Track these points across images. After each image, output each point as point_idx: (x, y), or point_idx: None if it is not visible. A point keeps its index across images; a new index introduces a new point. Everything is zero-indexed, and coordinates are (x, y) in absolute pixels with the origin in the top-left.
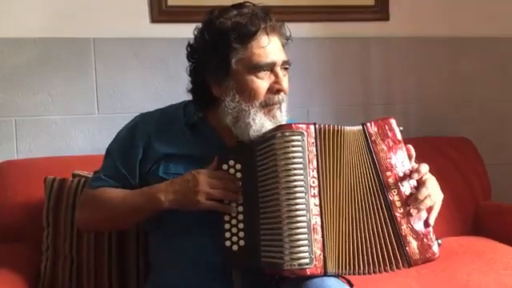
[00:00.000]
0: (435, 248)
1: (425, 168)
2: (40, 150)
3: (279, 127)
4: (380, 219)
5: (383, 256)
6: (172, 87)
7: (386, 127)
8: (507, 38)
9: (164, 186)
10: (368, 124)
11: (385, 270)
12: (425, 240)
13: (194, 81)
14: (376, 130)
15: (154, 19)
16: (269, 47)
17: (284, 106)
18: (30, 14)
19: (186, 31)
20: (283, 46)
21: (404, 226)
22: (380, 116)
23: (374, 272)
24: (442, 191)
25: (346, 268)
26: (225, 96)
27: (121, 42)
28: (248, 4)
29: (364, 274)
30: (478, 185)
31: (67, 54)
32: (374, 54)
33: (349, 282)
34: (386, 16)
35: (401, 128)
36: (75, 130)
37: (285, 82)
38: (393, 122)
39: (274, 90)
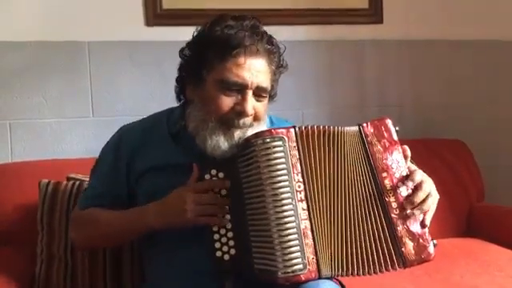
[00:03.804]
0: (431, 249)
1: (419, 175)
2: (34, 153)
3: (259, 134)
4: (376, 220)
5: (378, 257)
6: (167, 90)
7: (382, 128)
8: (501, 40)
9: (152, 208)
10: (364, 124)
11: (380, 271)
12: (420, 241)
13: (177, 77)
14: (372, 130)
15: (149, 22)
16: (245, 67)
17: (254, 130)
18: (25, 17)
19: (181, 34)
20: (274, 73)
21: (400, 227)
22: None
23: (370, 273)
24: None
25: (340, 270)
26: (192, 102)
27: (115, 46)
28: (247, 18)
29: (359, 275)
30: (472, 186)
31: (62, 57)
32: (369, 57)
33: (341, 284)
34: (380, 19)
35: (397, 128)
36: (70, 134)
37: (249, 106)
38: (389, 122)
39: (235, 111)
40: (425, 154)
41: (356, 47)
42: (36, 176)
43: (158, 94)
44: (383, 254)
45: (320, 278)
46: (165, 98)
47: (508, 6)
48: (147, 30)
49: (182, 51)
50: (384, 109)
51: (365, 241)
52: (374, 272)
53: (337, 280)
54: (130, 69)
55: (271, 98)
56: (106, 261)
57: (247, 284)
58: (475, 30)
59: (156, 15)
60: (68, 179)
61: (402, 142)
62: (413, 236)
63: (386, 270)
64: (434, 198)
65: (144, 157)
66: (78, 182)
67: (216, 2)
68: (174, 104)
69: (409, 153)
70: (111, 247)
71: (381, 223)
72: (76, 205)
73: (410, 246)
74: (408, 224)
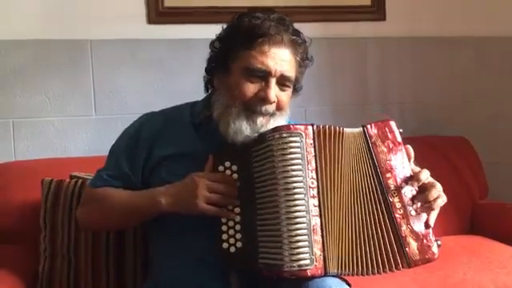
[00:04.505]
0: (435, 249)
1: (425, 174)
2: (37, 151)
3: (276, 128)
4: (380, 220)
5: (382, 257)
6: (169, 88)
7: (386, 129)
8: (503, 37)
9: (164, 189)
10: (368, 126)
11: (384, 271)
12: (424, 241)
13: (206, 68)
14: (376, 131)
15: (151, 20)
16: (269, 55)
17: (276, 120)
18: (28, 15)
19: (183, 32)
20: (299, 64)
21: (404, 227)
22: (377, 116)
23: (374, 273)
24: None
25: (346, 268)
26: (218, 89)
27: (118, 44)
28: (275, 11)
29: (364, 274)
30: (475, 184)
31: (64, 55)
32: (371, 54)
33: (346, 282)
34: (382, 16)
35: (400, 130)
36: (73, 132)
37: (272, 92)
38: (393, 123)
39: (258, 97)
40: (427, 151)
41: (358, 45)
42: (39, 174)
43: (160, 92)
44: (387, 254)
45: (326, 275)
46: (167, 96)
47: (510, 2)
48: (149, 27)
49: (212, 44)
50: (386, 106)
51: (369, 241)
52: (378, 272)
53: (342, 278)
54: (132, 67)
55: (296, 90)
56: (108, 258)
57: (252, 277)
58: (477, 26)
59: (158, 13)
60: (71, 177)
61: (405, 139)
62: (417, 236)
63: (390, 270)
64: (443, 198)
65: (164, 143)
66: (80, 181)
67: (217, 0)
68: (177, 101)
69: (412, 153)
70: (116, 229)
71: (385, 223)
72: (87, 183)
73: (413, 246)
74: (412, 224)
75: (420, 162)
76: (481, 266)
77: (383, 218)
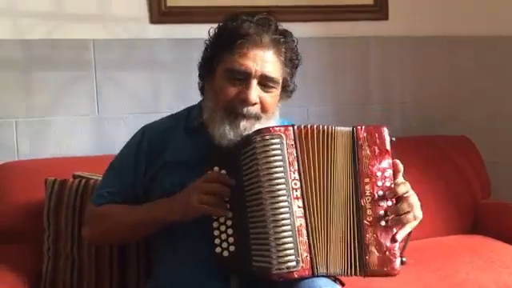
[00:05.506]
0: (396, 264)
1: (404, 188)
2: (40, 151)
3: (259, 131)
4: (348, 223)
5: (343, 260)
6: (171, 88)
7: (376, 134)
8: (505, 36)
9: (167, 203)
10: (359, 127)
11: (342, 275)
12: (387, 253)
13: (199, 74)
14: (365, 135)
15: (154, 20)
16: (249, 56)
17: (262, 122)
18: (30, 15)
19: (185, 32)
20: (285, 64)
21: (369, 235)
22: (378, 115)
23: (344, 275)
24: (442, 190)
25: (333, 268)
26: (207, 94)
27: (120, 43)
28: (260, 13)
29: (342, 275)
30: (477, 183)
31: (67, 55)
32: (373, 54)
33: (340, 282)
34: (384, 15)
35: (393, 138)
36: (75, 131)
37: (252, 94)
38: (384, 130)
39: (238, 98)
40: (429, 150)
41: (360, 44)
42: (42, 174)
43: (163, 92)
44: (347, 258)
45: (314, 275)
46: (169, 95)
47: (510, 2)
48: (152, 27)
49: (205, 49)
50: (388, 105)
51: (339, 243)
52: (346, 274)
53: (336, 278)
54: (134, 66)
55: (288, 92)
56: (112, 258)
57: (253, 281)
58: (479, 26)
59: (160, 13)
60: (74, 177)
61: (407, 138)
62: (380, 247)
63: (347, 275)
64: (416, 214)
65: (162, 153)
66: (83, 180)
67: (221, 0)
68: (179, 101)
69: (401, 168)
70: (128, 242)
71: (352, 227)
72: (89, 201)
73: (374, 255)
74: (378, 234)
75: (422, 161)
76: (483, 265)
77: (352, 221)
